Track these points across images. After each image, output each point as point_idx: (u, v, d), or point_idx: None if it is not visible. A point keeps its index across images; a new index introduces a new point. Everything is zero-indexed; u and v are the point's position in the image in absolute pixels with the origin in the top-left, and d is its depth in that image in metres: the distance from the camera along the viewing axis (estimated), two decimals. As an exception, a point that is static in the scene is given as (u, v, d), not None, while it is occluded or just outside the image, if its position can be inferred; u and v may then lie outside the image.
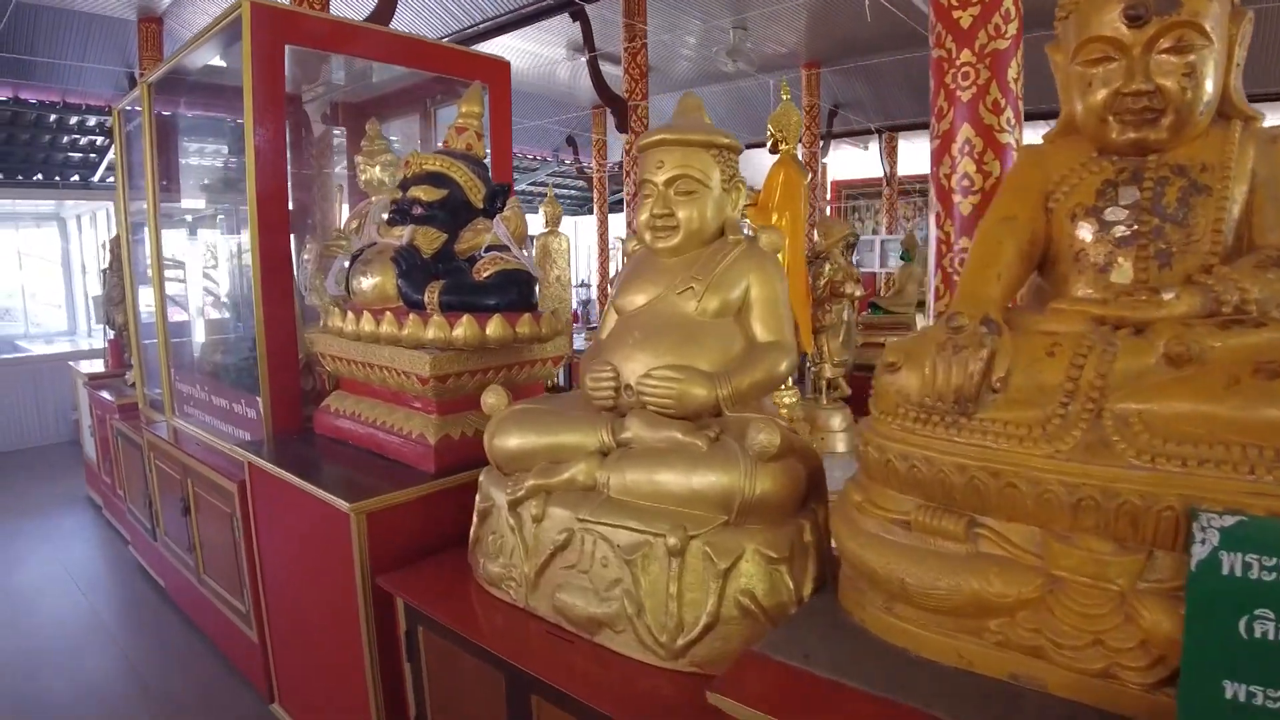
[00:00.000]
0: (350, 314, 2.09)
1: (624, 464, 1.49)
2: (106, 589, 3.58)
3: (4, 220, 7.39)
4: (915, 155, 11.41)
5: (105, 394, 4.17)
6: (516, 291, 2.08)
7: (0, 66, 6.01)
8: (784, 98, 4.30)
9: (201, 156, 3.59)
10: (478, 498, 1.77)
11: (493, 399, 1.77)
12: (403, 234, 2.10)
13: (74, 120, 7.05)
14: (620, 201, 13.21)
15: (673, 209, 1.67)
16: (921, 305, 5.64)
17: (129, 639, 3.11)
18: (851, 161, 12.34)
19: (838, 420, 4.01)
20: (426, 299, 2.01)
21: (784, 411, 3.97)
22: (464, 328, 1.96)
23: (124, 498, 3.80)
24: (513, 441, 1.65)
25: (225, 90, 3.34)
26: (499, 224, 2.14)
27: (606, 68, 6.43)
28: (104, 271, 4.82)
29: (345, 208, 3.63)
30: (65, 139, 7.17)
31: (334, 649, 1.97)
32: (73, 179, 7.56)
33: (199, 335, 3.30)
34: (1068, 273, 1.36)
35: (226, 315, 3.23)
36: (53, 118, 6.89)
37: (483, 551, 1.70)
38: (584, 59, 8.29)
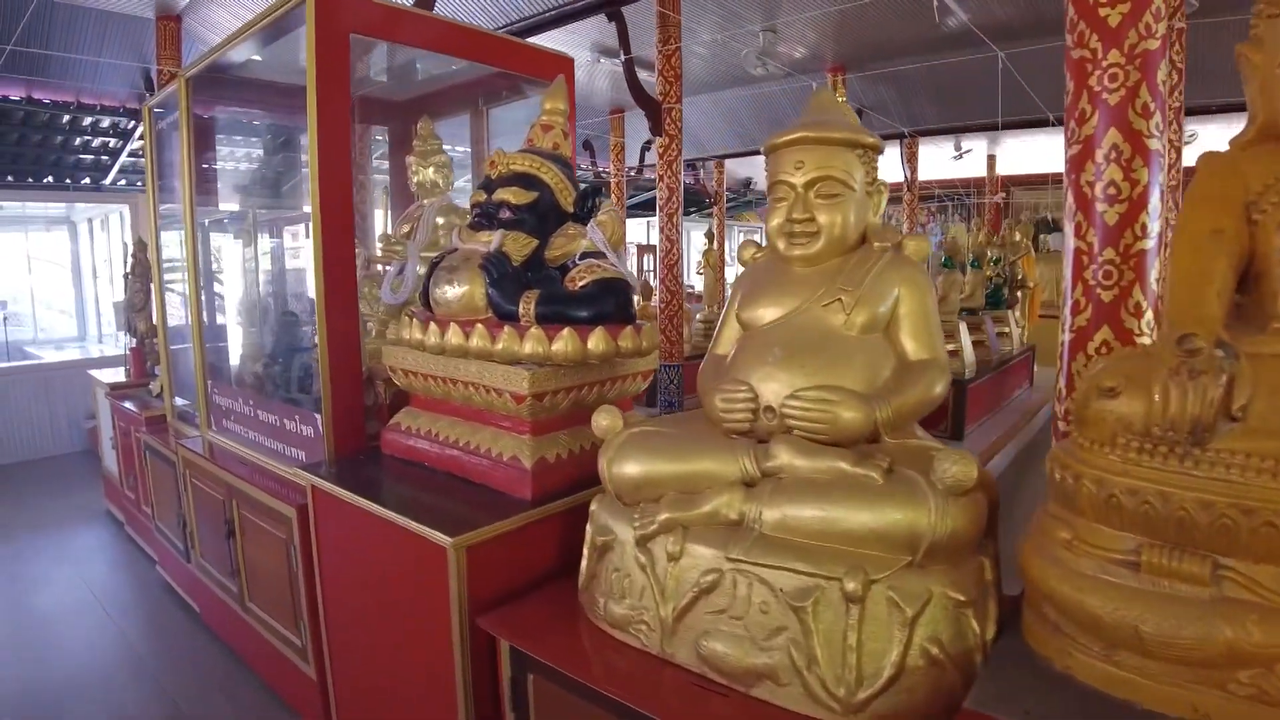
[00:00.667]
0: (434, 326, 1.93)
1: (779, 497, 1.33)
2: (135, 612, 3.39)
3: (13, 224, 7.20)
4: (933, 160, 11.32)
5: (129, 405, 3.99)
6: (614, 302, 1.91)
7: (15, 64, 5.84)
8: (840, 99, 4.19)
9: (243, 156, 3.43)
10: (590, 529, 1.61)
11: (606, 420, 1.62)
12: (490, 240, 1.94)
13: (87, 121, 6.87)
14: (643, 204, 13.07)
15: (813, 213, 1.52)
16: (963, 313, 5.50)
17: (162, 666, 2.92)
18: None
19: (903, 435, 3.87)
20: (521, 310, 1.85)
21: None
22: (565, 341, 1.79)
23: (151, 515, 3.61)
24: (635, 469, 1.50)
25: (271, 86, 3.19)
26: (594, 229, 1.98)
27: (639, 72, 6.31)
28: (125, 276, 4.65)
29: (388, 213, 3.47)
30: (77, 140, 7.00)
31: (418, 694, 1.80)
32: (84, 182, 7.38)
33: (239, 344, 3.13)
34: (1278, 290, 1.25)
35: (272, 324, 3.06)
36: (66, 118, 6.71)
37: (601, 590, 1.53)
38: (603, 63, 8.16)
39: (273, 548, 2.33)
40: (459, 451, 1.97)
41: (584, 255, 1.95)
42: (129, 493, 4.11)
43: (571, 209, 2.05)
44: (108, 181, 7.56)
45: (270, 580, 2.41)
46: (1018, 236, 7.05)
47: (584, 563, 1.61)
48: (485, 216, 1.99)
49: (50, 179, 7.22)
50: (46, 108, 6.58)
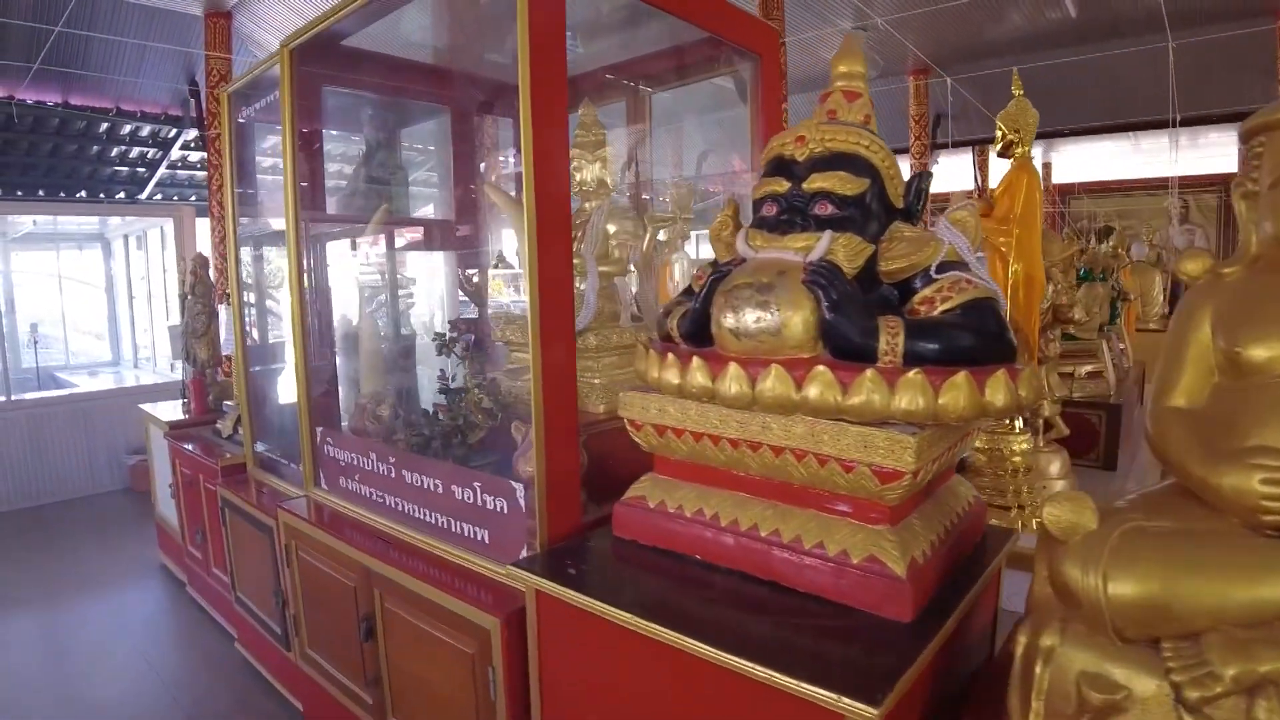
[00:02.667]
0: (735, 369, 1.33)
1: None
2: (214, 702, 2.78)
3: (44, 242, 6.66)
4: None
5: (191, 448, 3.41)
6: (997, 332, 1.32)
7: (54, 59, 5.32)
8: (1017, 93, 3.65)
9: (352, 151, 2.87)
10: (1042, 669, 1.06)
11: (1072, 512, 1.06)
12: (805, 246, 1.36)
13: (126, 130, 6.35)
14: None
15: None
16: (1103, 328, 5.01)
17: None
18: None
19: (1056, 466, 3.45)
20: (883, 345, 1.25)
21: (1016, 460, 3.26)
22: (957, 392, 1.20)
23: (230, 585, 3.01)
24: (1145, 588, 0.97)
25: (397, 62, 2.64)
26: (948, 230, 1.40)
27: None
28: (183, 297, 4.08)
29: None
30: (114, 151, 6.47)
31: None
32: (118, 197, 6.85)
33: (361, 379, 2.54)
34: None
35: (401, 353, 2.48)
36: (103, 127, 6.19)
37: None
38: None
39: (448, 664, 1.73)
40: (760, 544, 1.38)
41: (942, 267, 1.36)
42: (194, 550, 3.51)
43: (900, 203, 1.47)
44: (144, 196, 7.03)
45: (440, 705, 1.80)
46: (1113, 246, 6.54)
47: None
48: (794, 211, 1.41)
49: (84, 194, 6.69)
50: (83, 114, 6.05)
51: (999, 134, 3.65)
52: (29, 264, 6.82)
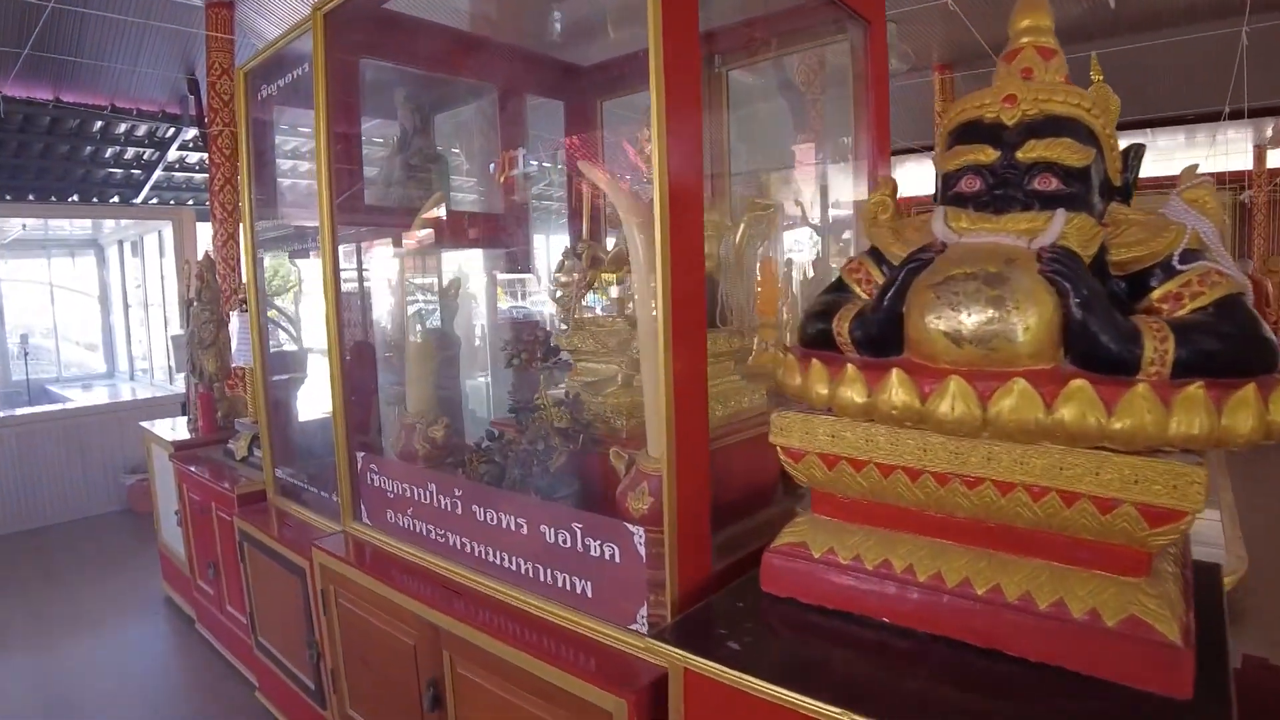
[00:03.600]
0: (960, 385, 1.03)
1: None
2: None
3: (34, 247, 6.29)
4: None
5: (199, 471, 3.09)
6: (1259, 335, 1.03)
7: (43, 60, 4.98)
8: (1096, 78, 3.39)
9: (408, 135, 2.56)
10: None
11: None
12: (1036, 228, 1.07)
13: (121, 129, 6.01)
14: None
15: None
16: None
17: None
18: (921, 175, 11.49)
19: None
20: (1150, 353, 0.96)
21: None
22: (1247, 411, 0.92)
23: (251, 628, 2.68)
24: None
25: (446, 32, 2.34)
26: (1188, 212, 1.11)
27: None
28: (189, 304, 3.75)
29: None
30: (109, 151, 6.13)
31: None
32: (112, 200, 6.50)
33: (407, 394, 2.22)
34: None
35: (465, 367, 2.17)
36: (97, 125, 5.85)
37: None
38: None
39: (543, 742, 1.42)
40: (974, 603, 1.08)
41: (1185, 256, 1.07)
42: (205, 585, 3.18)
43: (1118, 179, 1.19)
44: (139, 200, 6.68)
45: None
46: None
47: None
48: (1007, 187, 1.12)
49: (76, 196, 6.34)
50: (77, 112, 5.70)
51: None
52: (18, 271, 6.46)
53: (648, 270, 1.40)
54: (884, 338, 1.16)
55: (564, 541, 1.51)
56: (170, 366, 5.21)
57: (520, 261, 2.76)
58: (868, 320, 1.18)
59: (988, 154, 1.14)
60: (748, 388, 2.10)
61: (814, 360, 1.21)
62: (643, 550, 1.37)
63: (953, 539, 1.14)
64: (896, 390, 1.08)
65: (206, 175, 6.24)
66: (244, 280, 3.04)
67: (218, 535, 2.95)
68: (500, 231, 2.69)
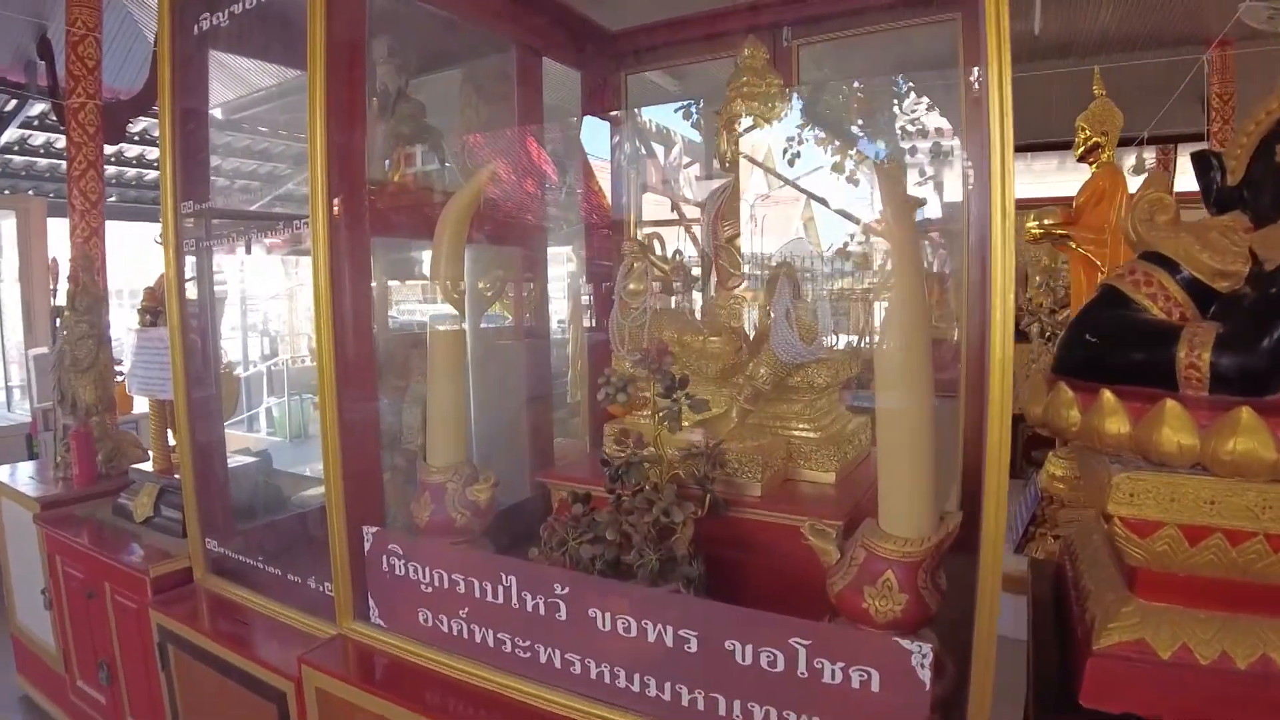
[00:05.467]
0: None
1: None
2: None
3: None
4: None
5: (79, 539, 2.30)
6: None
7: None
8: (1099, 93, 3.32)
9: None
10: None
11: None
12: None
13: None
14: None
15: None
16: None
17: None
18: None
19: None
20: None
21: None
22: None
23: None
24: None
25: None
26: None
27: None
28: (59, 316, 2.89)
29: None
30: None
31: None
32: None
33: (435, 445, 1.62)
34: None
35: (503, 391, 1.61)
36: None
37: None
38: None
39: None
40: None
41: None
42: (89, 689, 2.38)
43: None
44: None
45: None
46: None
47: None
48: None
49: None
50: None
51: (1080, 136, 3.36)
52: None
53: (920, 293, 0.97)
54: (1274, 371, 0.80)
55: (771, 663, 1.02)
56: (32, 394, 4.13)
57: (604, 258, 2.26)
58: (1257, 351, 0.81)
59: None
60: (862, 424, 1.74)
61: (1171, 403, 0.82)
62: (926, 675, 0.91)
63: None
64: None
65: (61, 160, 5.12)
66: (155, 283, 2.30)
67: (115, 628, 2.18)
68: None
